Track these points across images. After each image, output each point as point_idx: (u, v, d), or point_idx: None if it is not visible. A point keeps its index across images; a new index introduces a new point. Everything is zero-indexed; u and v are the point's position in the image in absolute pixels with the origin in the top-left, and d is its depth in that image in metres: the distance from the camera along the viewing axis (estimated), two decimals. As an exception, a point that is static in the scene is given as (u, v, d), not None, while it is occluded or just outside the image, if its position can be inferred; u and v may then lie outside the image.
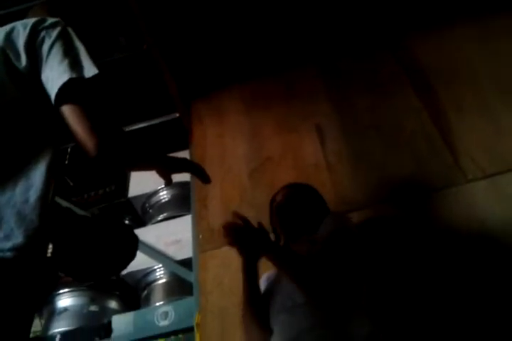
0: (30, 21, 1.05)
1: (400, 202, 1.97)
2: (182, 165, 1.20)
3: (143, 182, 3.54)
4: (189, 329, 2.44)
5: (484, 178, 1.90)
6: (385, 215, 1.94)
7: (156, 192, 3.57)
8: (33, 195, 0.86)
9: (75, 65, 0.96)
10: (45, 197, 0.88)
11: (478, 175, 1.91)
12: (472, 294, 1.63)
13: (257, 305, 1.52)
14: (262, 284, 1.64)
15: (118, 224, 1.22)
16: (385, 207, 1.97)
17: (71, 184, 3.84)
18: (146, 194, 3.58)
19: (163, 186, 3.53)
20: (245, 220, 1.43)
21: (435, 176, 1.98)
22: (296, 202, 1.71)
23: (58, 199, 2.55)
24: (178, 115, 2.89)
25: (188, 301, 2.58)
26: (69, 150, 3.17)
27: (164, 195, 3.55)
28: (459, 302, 1.63)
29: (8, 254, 0.77)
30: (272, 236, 1.75)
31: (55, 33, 1.02)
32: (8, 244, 0.78)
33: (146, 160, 1.11)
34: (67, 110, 0.93)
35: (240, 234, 1.41)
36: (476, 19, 2.38)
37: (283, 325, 1.41)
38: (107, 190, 3.88)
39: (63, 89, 0.93)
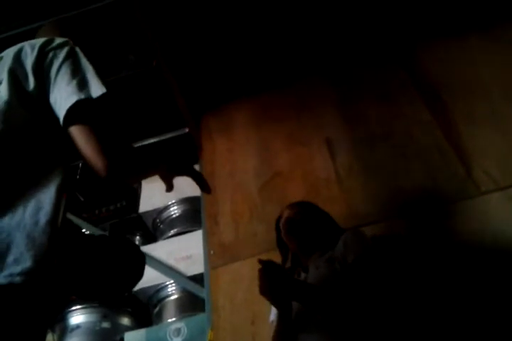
0: (38, 42, 1.05)
1: (412, 215, 1.95)
2: (184, 169, 1.20)
3: (153, 198, 3.54)
4: (202, 346, 2.42)
5: (497, 190, 1.88)
6: (397, 229, 1.92)
7: (166, 208, 3.56)
8: (43, 217, 0.85)
9: (83, 85, 0.96)
10: (55, 220, 0.87)
11: (492, 187, 1.89)
12: (489, 307, 1.60)
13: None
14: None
15: (125, 242, 1.21)
16: (398, 221, 1.95)
17: (82, 200, 3.85)
18: (157, 209, 3.57)
19: (173, 201, 3.53)
20: (270, 265, 1.40)
21: (448, 189, 1.96)
22: (307, 217, 1.70)
23: (69, 216, 2.56)
24: (187, 130, 2.90)
25: (201, 317, 2.55)
26: (80, 165, 3.19)
27: (175, 211, 3.54)
28: (474, 315, 1.60)
29: (17, 279, 0.77)
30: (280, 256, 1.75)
31: (62, 54, 1.02)
32: (18, 269, 0.77)
33: (151, 166, 1.11)
34: (75, 131, 0.92)
35: (267, 285, 1.39)
36: (486, 31, 2.38)
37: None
38: (118, 205, 3.88)
39: (71, 111, 0.92)
